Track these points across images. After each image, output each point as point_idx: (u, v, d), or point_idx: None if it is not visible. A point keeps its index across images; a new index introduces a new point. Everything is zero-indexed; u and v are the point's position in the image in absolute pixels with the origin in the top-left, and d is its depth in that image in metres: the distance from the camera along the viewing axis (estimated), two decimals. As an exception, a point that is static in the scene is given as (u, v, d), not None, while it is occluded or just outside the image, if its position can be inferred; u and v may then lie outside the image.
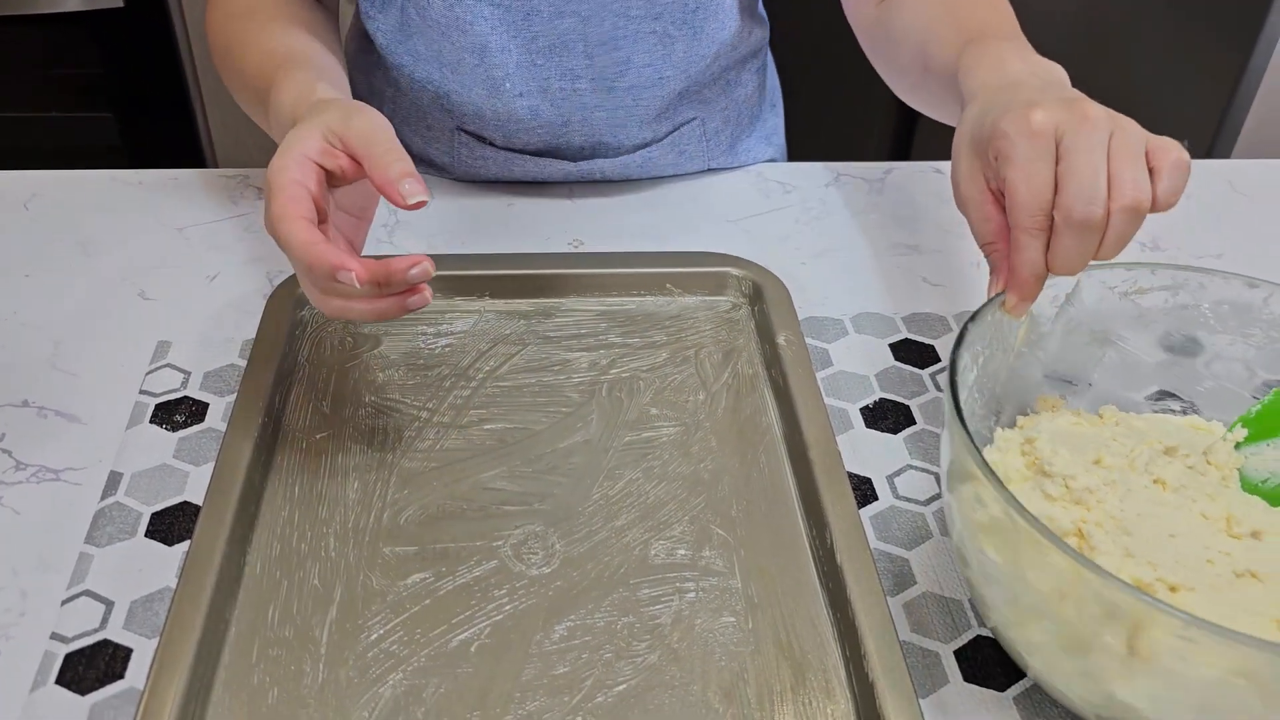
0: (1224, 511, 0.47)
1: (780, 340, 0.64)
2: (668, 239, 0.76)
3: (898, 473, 0.58)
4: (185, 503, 0.55)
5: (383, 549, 0.53)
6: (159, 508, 0.55)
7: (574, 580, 0.52)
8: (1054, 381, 0.56)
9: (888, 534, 0.55)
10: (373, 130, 0.53)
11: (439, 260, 0.70)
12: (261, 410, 0.58)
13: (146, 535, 0.53)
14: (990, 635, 0.50)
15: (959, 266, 0.75)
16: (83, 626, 0.49)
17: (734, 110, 0.84)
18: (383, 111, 0.62)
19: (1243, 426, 0.52)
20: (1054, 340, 0.55)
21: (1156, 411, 0.56)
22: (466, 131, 0.78)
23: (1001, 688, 0.48)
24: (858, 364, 0.66)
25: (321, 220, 0.53)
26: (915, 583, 0.52)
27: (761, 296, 0.68)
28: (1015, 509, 0.41)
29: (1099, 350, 0.56)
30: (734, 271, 0.69)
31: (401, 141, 0.54)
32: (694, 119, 0.81)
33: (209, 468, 0.56)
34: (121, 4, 1.66)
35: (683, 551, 0.53)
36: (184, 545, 0.53)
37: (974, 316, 0.50)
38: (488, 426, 0.60)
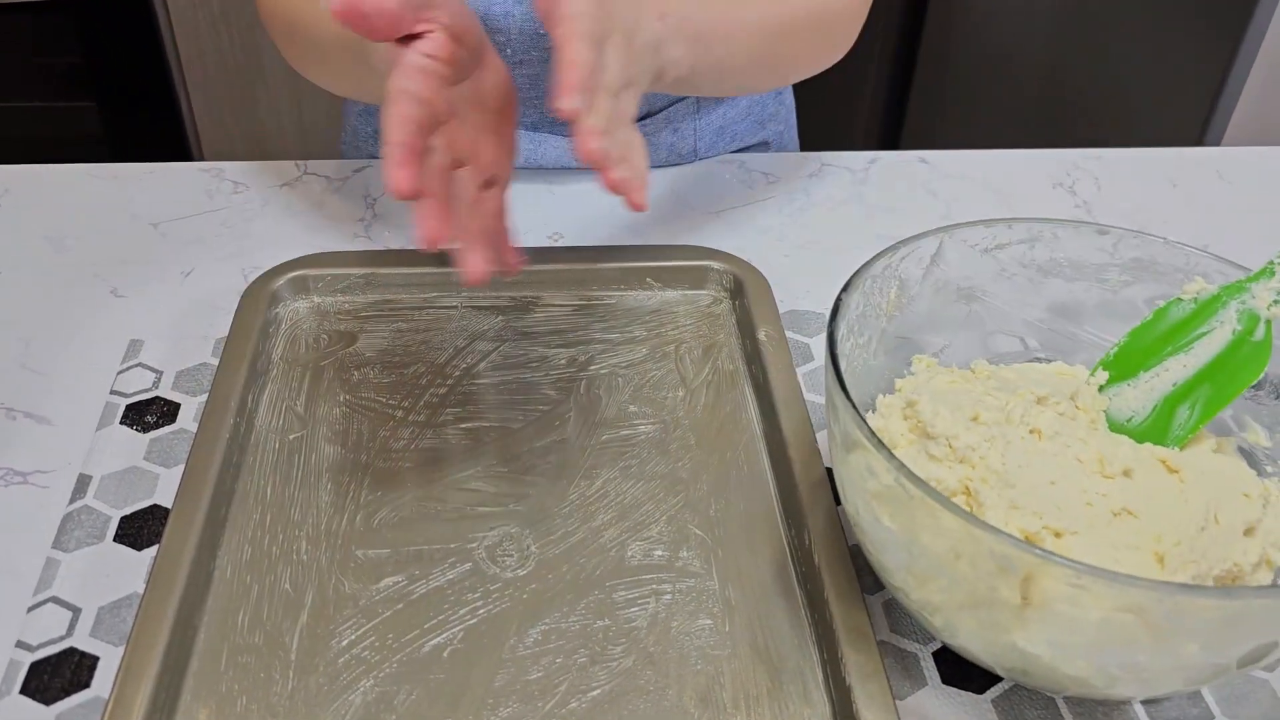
0: (1096, 454, 0.48)
1: (761, 335, 0.63)
2: (648, 232, 0.75)
3: (879, 470, 0.58)
4: (155, 506, 0.54)
5: (355, 552, 0.52)
6: (128, 511, 0.54)
7: (549, 583, 0.51)
8: (928, 341, 0.56)
9: (868, 533, 0.54)
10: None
11: (414, 256, 0.70)
12: (233, 410, 0.57)
13: (115, 539, 0.53)
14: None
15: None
16: (48, 634, 0.48)
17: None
18: None
19: (1104, 369, 0.53)
20: (923, 301, 0.55)
21: (1026, 361, 0.57)
22: None
23: (980, 690, 0.47)
24: (840, 359, 0.65)
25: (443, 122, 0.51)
26: (895, 582, 0.52)
27: (743, 290, 0.67)
28: (905, 475, 0.41)
29: (967, 307, 0.56)
30: (714, 265, 0.68)
31: None
32: (686, 96, 0.80)
33: (180, 470, 0.55)
34: (102, -9, 1.64)
35: (660, 552, 0.53)
36: (153, 550, 0.52)
37: (847, 286, 0.50)
38: (463, 425, 0.59)
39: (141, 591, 0.50)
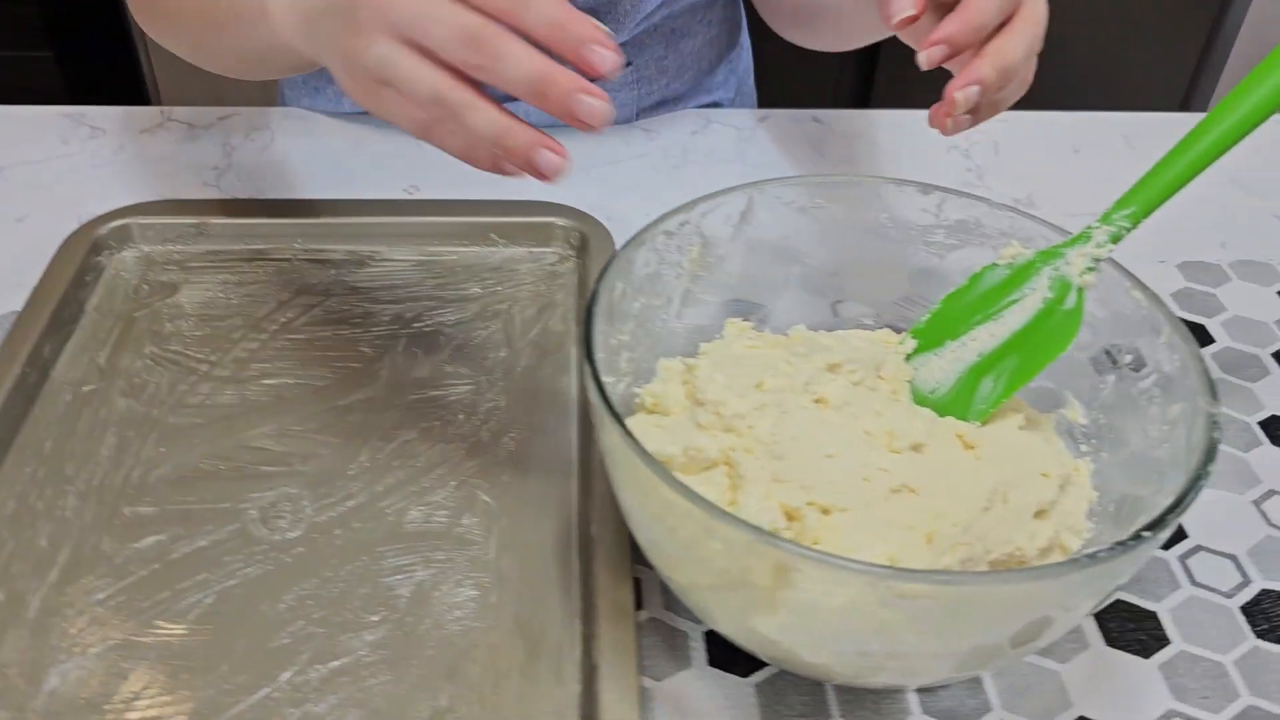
0: (887, 427, 0.45)
1: (594, 296, 0.60)
2: (509, 186, 0.71)
3: (697, 439, 0.55)
4: (-68, 456, 0.53)
5: (123, 509, 0.50)
6: (-98, 460, 0.52)
7: (317, 547, 0.49)
8: (743, 304, 0.53)
9: (670, 504, 0.52)
10: None
11: (251, 206, 0.68)
12: (23, 360, 0.55)
13: (-118, 489, 0.51)
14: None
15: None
16: None
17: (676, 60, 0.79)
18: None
19: (912, 338, 0.50)
20: (734, 262, 0.52)
21: (851, 327, 0.54)
22: None
23: (745, 673, 0.45)
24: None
25: None
26: (687, 557, 0.49)
27: (587, 249, 0.64)
28: (632, 447, 0.38)
29: (784, 269, 0.53)
30: (559, 222, 0.65)
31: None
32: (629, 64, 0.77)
33: (-38, 419, 0.53)
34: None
35: (441, 518, 0.50)
36: (-83, 501, 0.50)
37: (631, 241, 0.47)
38: (267, 382, 0.57)
39: (-109, 543, 0.48)
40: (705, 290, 0.52)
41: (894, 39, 0.56)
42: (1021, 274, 0.47)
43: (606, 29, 0.39)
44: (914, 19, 0.49)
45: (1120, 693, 0.45)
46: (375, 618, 0.46)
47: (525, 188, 0.73)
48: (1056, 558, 0.44)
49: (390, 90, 0.42)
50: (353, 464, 0.53)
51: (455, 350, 0.59)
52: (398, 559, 0.49)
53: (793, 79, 1.83)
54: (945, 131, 0.50)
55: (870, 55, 1.79)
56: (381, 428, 0.54)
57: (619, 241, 0.64)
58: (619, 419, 0.39)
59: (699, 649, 0.46)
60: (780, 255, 0.53)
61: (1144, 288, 0.46)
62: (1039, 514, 0.44)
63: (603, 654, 0.43)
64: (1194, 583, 0.49)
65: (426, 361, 0.58)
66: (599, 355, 0.42)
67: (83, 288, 0.61)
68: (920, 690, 0.45)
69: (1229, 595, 0.49)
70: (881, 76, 1.75)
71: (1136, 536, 0.35)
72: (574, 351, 0.59)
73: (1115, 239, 0.45)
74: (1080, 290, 0.46)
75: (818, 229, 0.52)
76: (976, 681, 0.45)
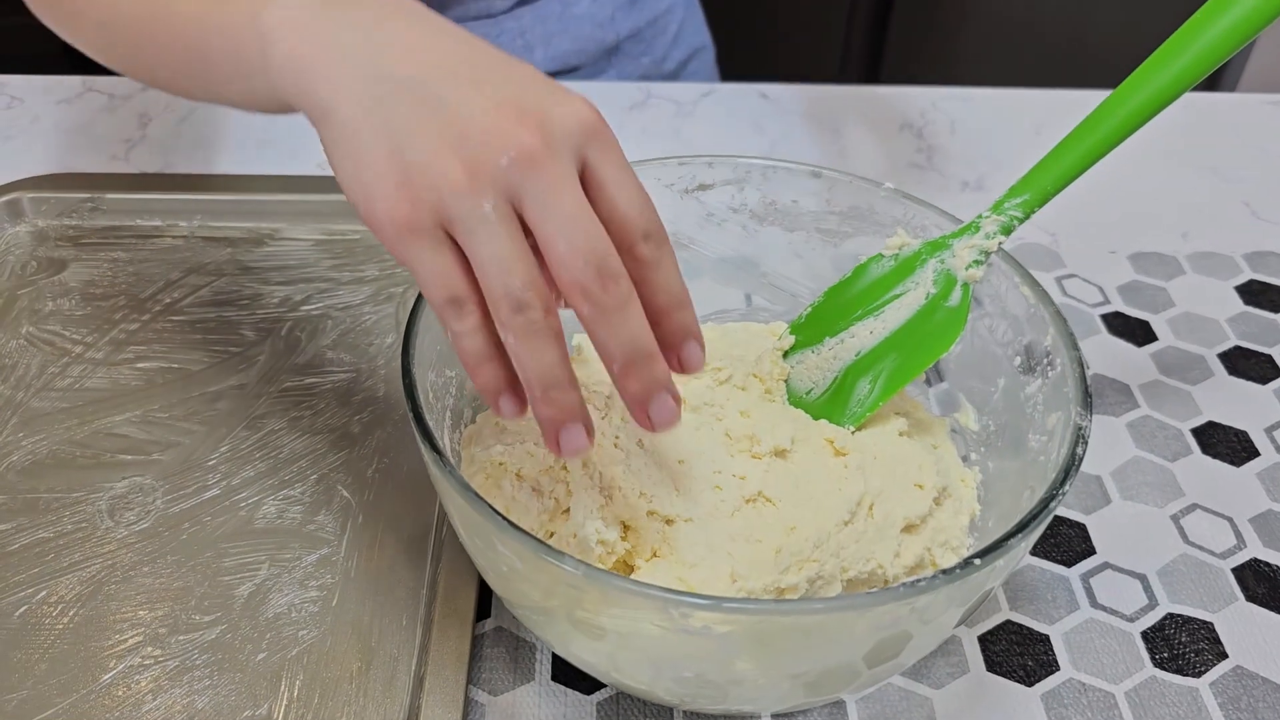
0: (749, 430, 0.41)
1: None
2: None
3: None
4: None
5: (-31, 497, 0.48)
6: None
7: (162, 541, 0.47)
8: None
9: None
10: None
11: (151, 180, 0.65)
12: (-112, 338, 0.53)
13: None
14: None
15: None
16: None
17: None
18: None
19: (791, 333, 0.46)
20: None
21: (739, 320, 0.51)
22: None
23: (589, 690, 0.42)
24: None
25: None
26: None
27: (493, 230, 0.61)
28: (429, 449, 0.35)
29: (680, 255, 0.49)
30: (465, 201, 0.62)
31: None
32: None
33: None
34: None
35: (294, 515, 0.48)
36: None
37: None
38: (140, 365, 0.55)
39: None
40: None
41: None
42: (907, 266, 0.43)
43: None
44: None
45: (996, 723, 0.41)
46: (209, 619, 0.44)
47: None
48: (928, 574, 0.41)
49: (442, 241, 0.33)
50: (214, 454, 0.50)
51: (340, 335, 0.56)
52: (242, 557, 0.46)
53: (800, 50, 1.78)
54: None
55: (880, 27, 1.74)
56: (249, 416, 0.52)
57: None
58: (424, 421, 0.36)
59: (544, 662, 0.43)
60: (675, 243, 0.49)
61: (1033, 283, 0.42)
62: (908, 528, 0.41)
63: (431, 665, 0.41)
64: (1095, 604, 0.45)
65: (309, 347, 0.56)
66: (416, 349, 0.39)
67: (-33, 264, 0.59)
68: (776, 716, 0.42)
69: (1131, 619, 0.45)
70: (891, 52, 1.69)
71: (965, 564, 0.32)
72: (464, 339, 0.56)
73: (1006, 230, 0.42)
74: (966, 286, 0.42)
75: (703, 212, 0.49)
76: (839, 706, 0.42)
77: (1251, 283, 0.62)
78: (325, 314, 0.58)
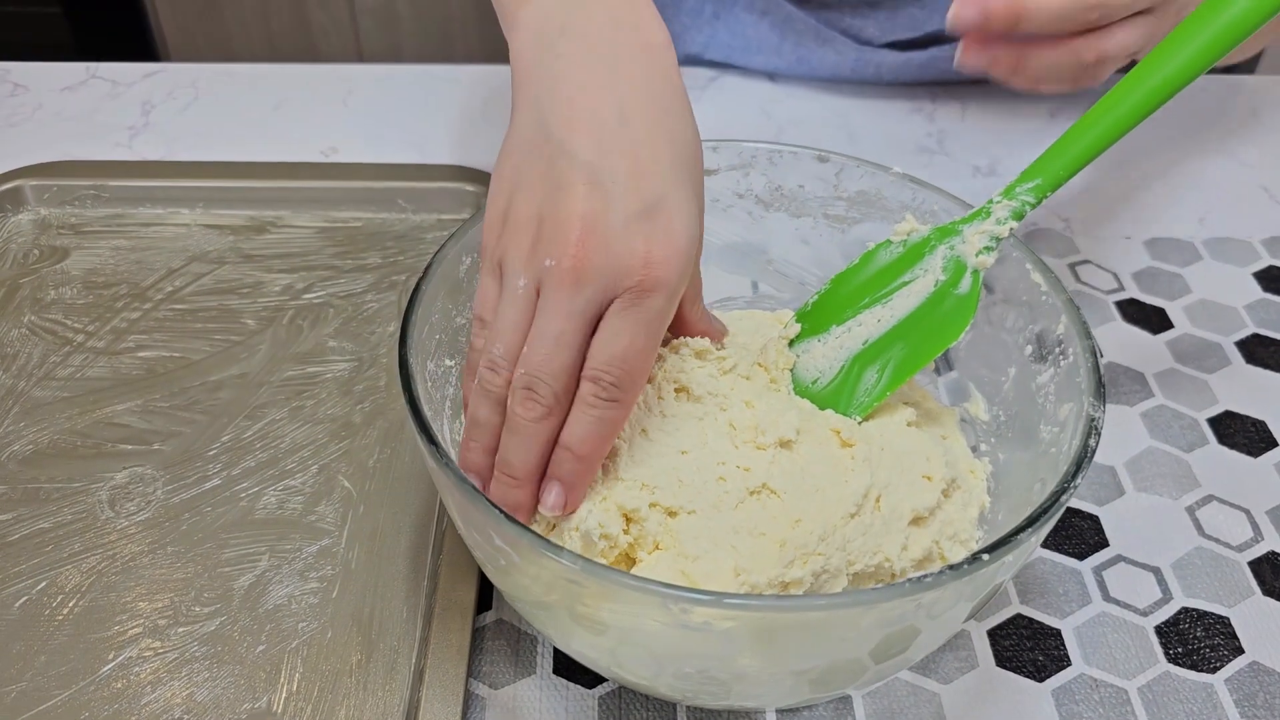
0: (753, 421, 0.40)
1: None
2: (433, 148, 0.68)
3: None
4: None
5: (-31, 487, 0.48)
6: None
7: (163, 532, 0.46)
8: None
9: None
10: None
11: (153, 168, 0.65)
12: (-111, 328, 0.53)
13: None
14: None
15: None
16: None
17: None
18: None
19: (797, 321, 0.45)
20: None
21: (745, 307, 0.50)
22: None
23: (590, 684, 0.41)
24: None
25: None
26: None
27: (497, 217, 0.60)
28: (426, 442, 0.35)
29: None
30: (469, 188, 0.62)
31: None
32: None
33: None
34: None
35: (295, 505, 0.47)
36: None
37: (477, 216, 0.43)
38: (142, 354, 0.54)
39: None
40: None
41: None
42: (915, 253, 0.42)
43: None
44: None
45: (1004, 719, 0.41)
46: (208, 610, 0.44)
47: (464, 151, 0.70)
48: (936, 569, 0.40)
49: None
50: (215, 444, 0.50)
51: (342, 324, 0.56)
52: (243, 548, 0.46)
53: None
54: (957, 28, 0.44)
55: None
56: (250, 405, 0.52)
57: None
58: (421, 415, 0.35)
59: (545, 656, 0.42)
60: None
61: (1045, 270, 0.41)
62: (916, 521, 0.40)
63: (432, 658, 0.40)
64: (1107, 598, 0.44)
65: (310, 335, 0.55)
66: (414, 339, 0.38)
67: (-31, 252, 0.59)
68: (781, 711, 0.41)
69: (1145, 613, 0.44)
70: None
71: (972, 560, 0.31)
72: (467, 327, 0.56)
73: (1018, 216, 0.40)
74: (976, 273, 0.41)
75: (708, 198, 0.48)
76: (845, 701, 0.41)
77: (1270, 269, 0.61)
78: (327, 302, 0.57)
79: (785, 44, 0.72)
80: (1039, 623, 0.43)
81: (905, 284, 0.42)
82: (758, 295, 0.51)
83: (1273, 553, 0.46)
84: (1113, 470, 0.49)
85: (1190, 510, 0.48)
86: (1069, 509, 0.48)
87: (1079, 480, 0.33)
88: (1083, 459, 0.34)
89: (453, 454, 0.41)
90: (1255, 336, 0.56)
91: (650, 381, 0.41)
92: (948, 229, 0.42)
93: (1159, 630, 0.43)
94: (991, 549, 0.31)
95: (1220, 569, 0.45)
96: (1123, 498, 0.48)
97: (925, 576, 0.31)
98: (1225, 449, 0.50)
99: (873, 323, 0.43)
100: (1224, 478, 0.49)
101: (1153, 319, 0.57)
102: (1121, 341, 0.56)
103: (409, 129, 0.70)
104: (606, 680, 0.41)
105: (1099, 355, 0.38)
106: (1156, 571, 0.45)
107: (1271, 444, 0.51)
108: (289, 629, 0.43)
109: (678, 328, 0.42)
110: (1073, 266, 0.60)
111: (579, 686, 0.41)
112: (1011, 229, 0.41)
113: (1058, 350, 0.40)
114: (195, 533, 0.46)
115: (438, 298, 0.41)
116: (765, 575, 0.37)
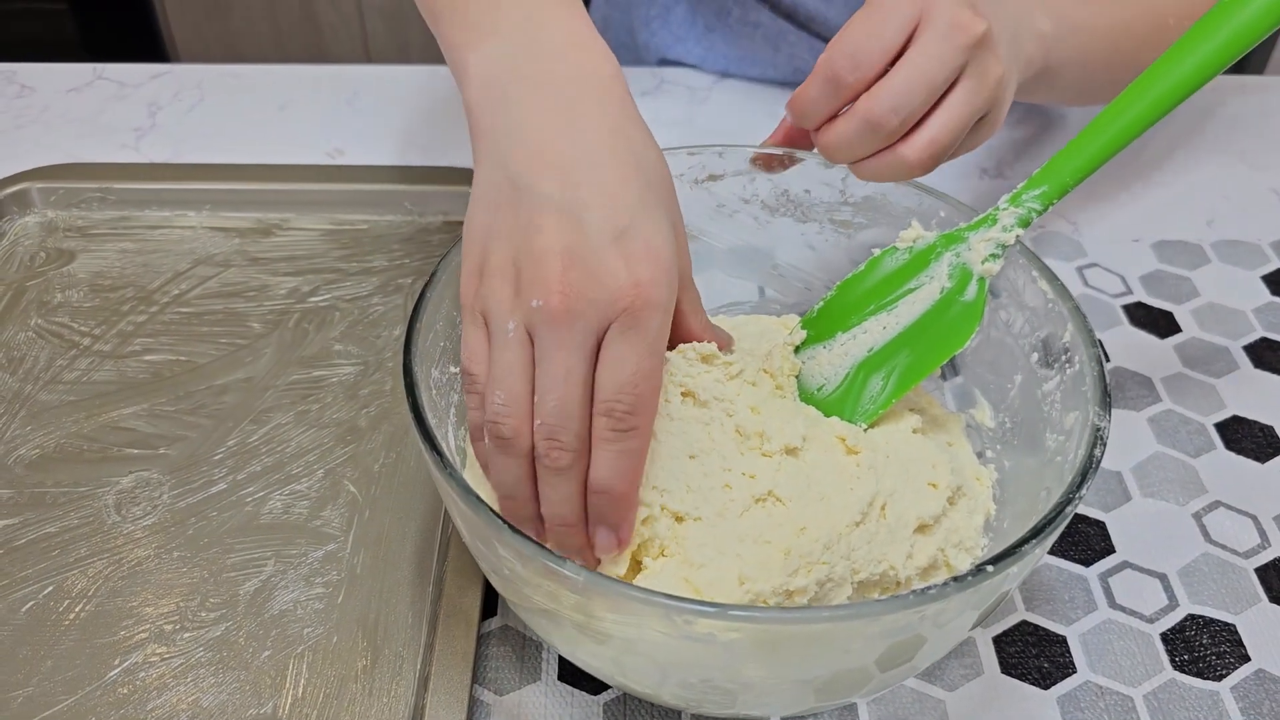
0: (759, 428, 0.40)
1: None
2: (438, 151, 0.68)
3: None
4: None
5: (-24, 491, 0.48)
6: None
7: (168, 536, 0.46)
8: None
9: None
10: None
11: (159, 170, 0.65)
12: (-104, 331, 0.53)
13: None
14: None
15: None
16: None
17: None
18: None
19: (803, 328, 0.45)
20: None
21: (751, 313, 0.50)
22: None
23: (595, 691, 0.41)
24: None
25: None
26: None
27: (502, 220, 0.60)
28: (429, 448, 0.35)
29: (693, 246, 0.48)
30: (474, 190, 0.62)
31: None
32: None
33: None
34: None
35: (300, 510, 0.47)
36: None
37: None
38: (148, 358, 0.54)
39: None
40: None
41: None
42: (921, 259, 0.42)
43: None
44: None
45: (1010, 727, 0.41)
46: (214, 615, 0.44)
47: (459, 152, 0.70)
48: (941, 577, 0.40)
49: (484, 326, 0.37)
50: (220, 448, 0.50)
51: (348, 328, 0.56)
52: (248, 552, 0.46)
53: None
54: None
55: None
56: (255, 410, 0.52)
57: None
58: (424, 421, 0.35)
59: (550, 662, 0.42)
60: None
61: (1051, 277, 0.40)
62: (921, 529, 0.40)
63: (437, 664, 0.40)
64: (1113, 605, 0.44)
65: (316, 339, 0.55)
66: (419, 347, 0.38)
67: (-23, 255, 0.59)
68: (786, 719, 0.41)
69: (1151, 620, 0.44)
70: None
71: (977, 571, 0.31)
72: (473, 331, 0.56)
73: (1024, 223, 0.40)
74: (982, 280, 0.41)
75: (714, 203, 0.48)
76: (850, 708, 0.41)
77: (1279, 272, 0.60)
78: (333, 305, 0.57)
79: (779, 57, 0.72)
80: (1045, 630, 0.43)
81: (911, 291, 0.42)
82: (763, 300, 0.51)
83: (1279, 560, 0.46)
84: (1119, 476, 0.49)
85: (1197, 516, 0.47)
86: (1075, 515, 0.48)
87: (1084, 491, 0.33)
88: (1088, 469, 0.34)
89: (457, 461, 0.41)
90: (1264, 340, 0.56)
91: None
92: (954, 236, 0.42)
93: (1165, 637, 0.43)
94: (996, 560, 0.31)
95: (1227, 575, 0.45)
96: (1129, 503, 0.48)
97: (930, 588, 0.30)
98: (1232, 454, 0.50)
99: (878, 329, 0.43)
100: (1231, 483, 0.49)
101: (1160, 323, 0.57)
102: (1128, 345, 0.56)
103: (415, 131, 0.69)
104: (611, 687, 0.41)
105: (1105, 364, 0.37)
106: (1163, 578, 0.45)
107: (1279, 450, 0.50)
108: (294, 634, 0.43)
109: (682, 341, 0.42)
110: (1080, 269, 0.60)
111: (584, 693, 0.41)
112: (1017, 237, 0.40)
113: (1064, 358, 0.39)
114: (201, 537, 0.46)
115: (443, 303, 0.41)
116: (770, 584, 0.37)
